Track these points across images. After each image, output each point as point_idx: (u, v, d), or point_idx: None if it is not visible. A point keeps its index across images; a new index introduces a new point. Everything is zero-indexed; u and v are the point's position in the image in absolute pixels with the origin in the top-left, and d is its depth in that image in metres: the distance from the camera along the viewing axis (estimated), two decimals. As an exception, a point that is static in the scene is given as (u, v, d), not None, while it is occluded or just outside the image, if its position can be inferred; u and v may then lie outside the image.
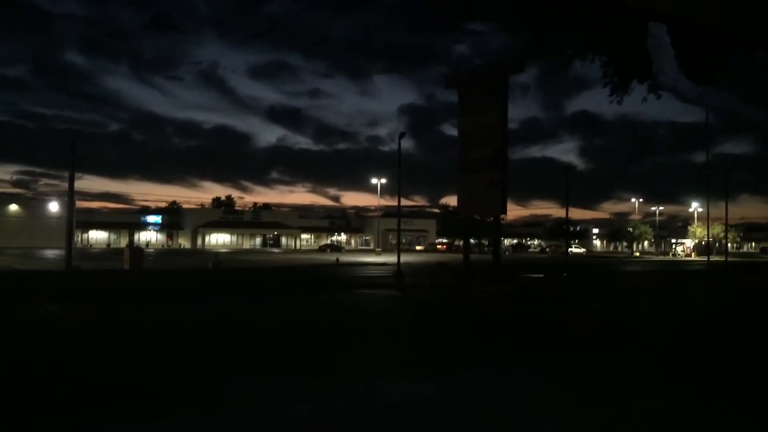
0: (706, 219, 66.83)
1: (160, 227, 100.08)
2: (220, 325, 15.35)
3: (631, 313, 19.34)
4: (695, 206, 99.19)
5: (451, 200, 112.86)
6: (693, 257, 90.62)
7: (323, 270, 40.70)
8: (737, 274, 42.15)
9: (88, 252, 66.40)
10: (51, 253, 57.17)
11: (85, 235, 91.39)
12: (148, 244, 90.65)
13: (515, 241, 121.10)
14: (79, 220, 52.90)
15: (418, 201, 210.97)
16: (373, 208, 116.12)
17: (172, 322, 15.68)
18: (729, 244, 71.56)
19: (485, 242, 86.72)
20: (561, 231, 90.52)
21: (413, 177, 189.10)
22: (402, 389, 8.83)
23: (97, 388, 8.53)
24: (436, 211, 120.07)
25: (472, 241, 46.18)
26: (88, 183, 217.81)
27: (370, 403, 8.08)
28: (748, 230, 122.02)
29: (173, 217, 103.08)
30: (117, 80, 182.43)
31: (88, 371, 9.61)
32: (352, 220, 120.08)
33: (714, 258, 64.32)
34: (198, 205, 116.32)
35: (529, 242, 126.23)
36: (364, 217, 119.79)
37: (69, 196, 35.86)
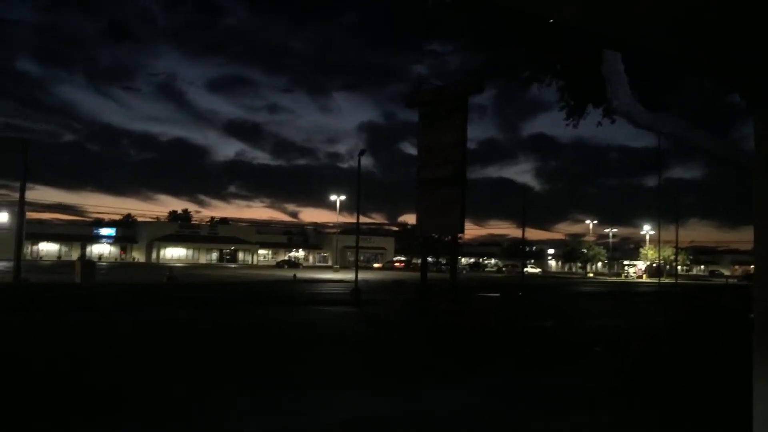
0: (658, 242, 68.47)
1: (114, 240, 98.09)
2: (173, 340, 15.10)
3: (582, 332, 19.64)
4: (647, 229, 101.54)
5: (410, 218, 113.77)
6: (644, 279, 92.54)
7: (280, 286, 40.34)
8: (689, 295, 43.20)
9: (38, 264, 64.63)
10: (-2, 265, 55.48)
11: (35, 247, 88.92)
12: (100, 257, 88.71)
13: (472, 260, 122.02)
14: (29, 231, 51.54)
15: (377, 219, 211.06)
16: (331, 224, 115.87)
17: (122, 334, 15.37)
18: (679, 267, 73.30)
19: (443, 261, 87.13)
20: (517, 251, 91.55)
21: (372, 195, 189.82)
22: (354, 405, 8.81)
23: (36, 403, 8.31)
24: (395, 229, 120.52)
25: (429, 259, 46.41)
26: (40, 193, 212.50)
27: (322, 419, 8.04)
28: (698, 253, 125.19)
29: (128, 230, 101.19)
30: (72, 90, 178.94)
31: (25, 386, 9.35)
32: (311, 237, 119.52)
33: (665, 280, 65.81)
34: (153, 218, 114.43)
35: (486, 261, 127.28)
36: (323, 233, 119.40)
37: (19, 206, 34.98)
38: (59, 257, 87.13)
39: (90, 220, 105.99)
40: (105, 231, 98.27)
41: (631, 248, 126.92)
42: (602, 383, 11.00)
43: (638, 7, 3.25)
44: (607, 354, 14.75)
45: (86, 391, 9.12)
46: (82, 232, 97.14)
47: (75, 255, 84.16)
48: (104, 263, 74.60)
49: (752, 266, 4.36)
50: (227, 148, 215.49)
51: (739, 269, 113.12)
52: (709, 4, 3.17)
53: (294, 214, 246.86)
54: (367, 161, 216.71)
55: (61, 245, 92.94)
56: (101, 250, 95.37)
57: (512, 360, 13.51)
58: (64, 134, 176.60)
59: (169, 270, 47.30)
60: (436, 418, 8.33)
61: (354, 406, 8.82)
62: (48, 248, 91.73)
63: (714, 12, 3.26)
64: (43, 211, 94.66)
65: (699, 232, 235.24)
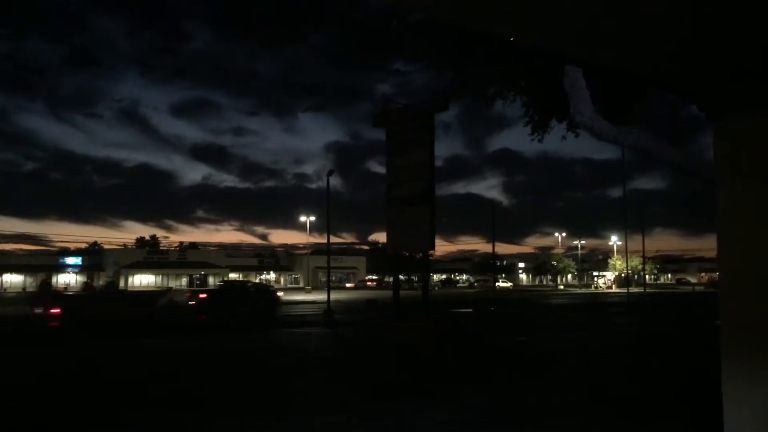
0: (625, 252, 69.43)
1: (81, 269, 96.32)
2: (138, 366, 14.86)
3: (556, 344, 19.78)
4: (614, 240, 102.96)
5: (381, 237, 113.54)
6: (614, 289, 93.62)
7: (252, 309, 39.85)
8: (657, 304, 43.77)
9: (2, 296, 63.15)
10: (-40, 298, 54.08)
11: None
12: (67, 287, 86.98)
13: (444, 276, 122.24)
14: (-8, 262, 50.36)
15: (347, 238, 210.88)
16: (302, 245, 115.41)
17: (91, 362, 15.08)
18: (647, 276, 74.30)
19: (415, 278, 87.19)
20: (488, 266, 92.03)
21: (341, 214, 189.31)
22: (323, 427, 8.75)
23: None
24: (366, 248, 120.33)
25: (402, 277, 46.40)
26: (3, 224, 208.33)
27: None
28: (664, 262, 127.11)
29: (94, 258, 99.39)
30: (32, 117, 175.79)
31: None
32: (281, 259, 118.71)
33: (633, 289, 66.64)
34: (120, 245, 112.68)
35: (457, 277, 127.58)
36: (294, 255, 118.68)
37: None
38: (24, 288, 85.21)
39: (55, 249, 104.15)
40: (71, 260, 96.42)
41: (599, 259, 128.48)
42: (577, 395, 11.08)
43: (597, 26, 3.32)
44: (579, 366, 14.88)
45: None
46: (47, 261, 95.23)
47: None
48: (71, 293, 73.12)
49: (717, 274, 4.46)
50: (193, 172, 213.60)
51: (705, 276, 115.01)
52: (667, 19, 3.26)
53: (264, 237, 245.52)
54: (335, 181, 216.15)
55: (25, 276, 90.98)
56: (68, 279, 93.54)
57: (487, 376, 13.54)
58: (25, 163, 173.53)
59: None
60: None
61: (320, 427, 8.75)
62: (12, 279, 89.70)
63: (672, 27, 3.35)
64: (6, 242, 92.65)
65: (665, 242, 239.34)
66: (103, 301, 28.79)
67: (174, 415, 9.61)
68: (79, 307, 25.98)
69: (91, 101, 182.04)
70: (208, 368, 14.97)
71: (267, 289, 39.96)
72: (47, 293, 33.81)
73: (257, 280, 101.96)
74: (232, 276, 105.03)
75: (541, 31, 3.43)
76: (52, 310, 25.41)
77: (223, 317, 28.31)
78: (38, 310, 26.27)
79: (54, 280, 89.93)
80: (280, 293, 39.74)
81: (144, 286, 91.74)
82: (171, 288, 50.77)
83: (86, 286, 36.28)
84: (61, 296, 30.57)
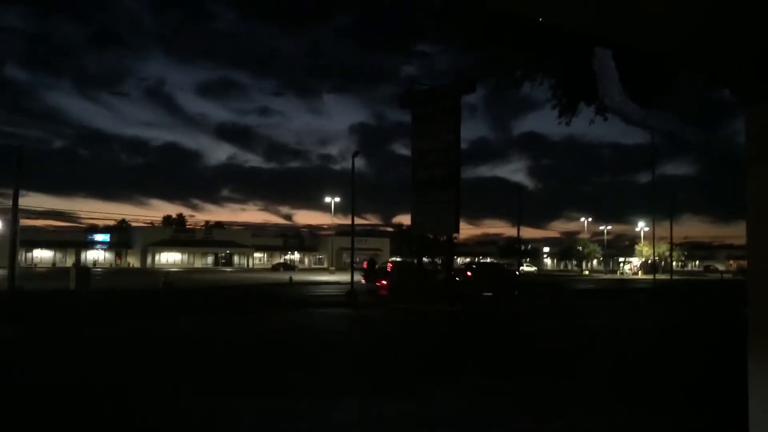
0: (652, 238, 68.63)
1: (109, 246, 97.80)
2: (168, 346, 15.07)
3: (582, 331, 19.66)
4: (641, 225, 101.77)
5: (405, 219, 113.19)
6: (640, 275, 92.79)
7: (276, 289, 40.29)
8: (684, 291, 43.29)
9: (33, 272, 64.41)
10: (-7, 273, 55.19)
11: (29, 254, 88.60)
12: (95, 263, 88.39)
13: (468, 259, 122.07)
14: (23, 238, 51.25)
15: (372, 220, 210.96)
16: (326, 226, 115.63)
17: (121, 340, 15.33)
18: (674, 263, 73.47)
19: (438, 261, 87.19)
20: (513, 250, 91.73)
21: (366, 196, 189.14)
22: (340, 409, 8.81)
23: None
24: (390, 229, 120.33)
25: (425, 259, 46.73)
26: (33, 200, 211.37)
27: (327, 420, 8.03)
28: (692, 249, 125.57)
29: (122, 236, 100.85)
30: (60, 96, 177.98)
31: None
32: (306, 239, 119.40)
33: (660, 276, 65.94)
34: (148, 223, 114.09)
35: (482, 261, 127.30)
36: (318, 235, 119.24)
37: (13, 213, 34.80)
38: (54, 264, 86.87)
39: (84, 226, 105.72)
40: (99, 237, 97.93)
41: (626, 245, 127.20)
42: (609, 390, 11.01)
43: (630, 8, 3.24)
44: (610, 359, 14.78)
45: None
46: (77, 238, 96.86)
47: (69, 261, 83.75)
48: (99, 269, 74.39)
49: (746, 261, 4.36)
50: (219, 152, 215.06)
51: (734, 264, 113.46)
52: (701, 2, 3.17)
53: (288, 217, 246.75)
54: (360, 163, 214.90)
55: (55, 252, 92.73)
56: (96, 256, 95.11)
57: (508, 363, 13.52)
58: (54, 141, 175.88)
59: (164, 275, 47.16)
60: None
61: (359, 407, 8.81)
62: (42, 255, 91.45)
63: (706, 10, 3.26)
64: (37, 218, 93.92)
65: (693, 228, 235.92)
66: (410, 274, 34.33)
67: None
68: (396, 279, 32.86)
69: (117, 80, 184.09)
70: (240, 350, 15.15)
71: (510, 270, 49.06)
72: (375, 270, 38.85)
73: (282, 260, 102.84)
74: (257, 256, 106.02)
75: (567, 11, 3.35)
76: (381, 282, 33.07)
77: (482, 292, 33.40)
78: (369, 283, 34.01)
79: (83, 256, 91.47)
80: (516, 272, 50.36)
81: (171, 265, 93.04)
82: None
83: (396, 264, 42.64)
84: (385, 272, 36.49)
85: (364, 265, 40.77)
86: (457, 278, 36.67)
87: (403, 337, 18.13)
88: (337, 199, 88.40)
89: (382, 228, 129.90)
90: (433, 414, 8.59)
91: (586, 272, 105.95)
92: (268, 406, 8.72)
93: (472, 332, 19.27)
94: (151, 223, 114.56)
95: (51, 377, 10.74)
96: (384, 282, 32.67)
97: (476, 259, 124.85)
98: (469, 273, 39.24)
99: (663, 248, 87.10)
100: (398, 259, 56.32)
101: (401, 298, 29.01)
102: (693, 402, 9.43)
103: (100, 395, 9.31)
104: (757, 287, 4.13)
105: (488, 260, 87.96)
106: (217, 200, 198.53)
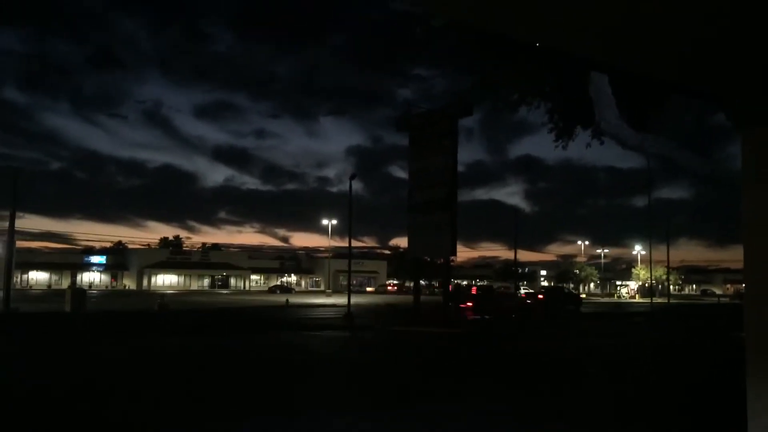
0: (649, 262, 68.54)
1: (105, 268, 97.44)
2: (163, 367, 14.96)
3: (576, 353, 19.56)
4: (638, 249, 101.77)
5: (402, 241, 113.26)
6: (637, 299, 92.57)
7: (273, 312, 40.08)
8: (683, 314, 43.23)
9: (28, 293, 64.10)
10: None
11: (25, 276, 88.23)
12: (91, 285, 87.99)
13: (465, 282, 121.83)
14: (18, 260, 51.11)
15: (368, 242, 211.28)
16: (323, 249, 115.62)
17: (116, 361, 15.21)
18: (671, 286, 73.37)
19: (435, 283, 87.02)
20: (510, 273, 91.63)
21: (362, 218, 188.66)
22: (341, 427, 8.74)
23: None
24: (387, 252, 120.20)
25: (422, 282, 47.16)
26: (28, 222, 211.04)
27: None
28: (689, 272, 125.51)
29: (118, 258, 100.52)
30: (57, 117, 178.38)
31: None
32: (303, 261, 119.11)
33: (657, 300, 65.79)
34: (144, 245, 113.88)
35: (479, 284, 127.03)
36: (315, 258, 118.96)
37: (9, 235, 34.75)
38: (49, 286, 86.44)
39: (80, 248, 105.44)
40: (95, 259, 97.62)
41: (622, 268, 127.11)
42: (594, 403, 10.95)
43: (624, 31, 3.28)
44: (596, 377, 14.71)
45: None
46: (72, 260, 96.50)
47: (65, 283, 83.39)
48: (95, 291, 74.04)
49: (743, 285, 4.36)
50: (216, 174, 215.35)
51: (731, 288, 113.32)
52: (696, 25, 3.20)
53: (285, 239, 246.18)
54: (356, 185, 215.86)
55: (51, 274, 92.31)
56: (92, 278, 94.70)
57: (501, 383, 13.43)
58: (51, 162, 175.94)
59: (160, 297, 46.91)
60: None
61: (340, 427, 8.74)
62: (38, 277, 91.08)
63: (701, 33, 3.29)
64: (32, 240, 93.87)
65: (689, 252, 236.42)
66: (492, 298, 38.71)
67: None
68: (480, 302, 35.59)
69: (114, 102, 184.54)
70: (236, 370, 15.05)
71: (575, 294, 57.79)
72: (461, 293, 42.33)
73: (278, 283, 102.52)
74: (254, 278, 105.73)
75: (568, 36, 3.39)
76: (466, 305, 35.37)
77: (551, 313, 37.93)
78: (459, 305, 35.69)
79: (78, 278, 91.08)
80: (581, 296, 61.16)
81: (167, 287, 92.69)
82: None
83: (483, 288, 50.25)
84: (471, 295, 39.19)
85: (473, 290, 44.60)
86: (528, 301, 42.45)
87: (404, 356, 18.03)
88: (334, 222, 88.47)
89: (378, 250, 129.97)
90: None
91: (584, 296, 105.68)
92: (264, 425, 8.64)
93: (469, 349, 19.20)
94: (148, 244, 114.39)
95: (38, 392, 10.65)
96: (469, 303, 35.69)
97: (473, 282, 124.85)
98: (540, 296, 45.42)
99: (660, 272, 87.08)
100: (483, 284, 62.25)
101: (483, 316, 33.51)
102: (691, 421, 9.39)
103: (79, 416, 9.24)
104: (752, 310, 4.13)
105: (550, 284, 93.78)
106: (213, 222, 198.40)
